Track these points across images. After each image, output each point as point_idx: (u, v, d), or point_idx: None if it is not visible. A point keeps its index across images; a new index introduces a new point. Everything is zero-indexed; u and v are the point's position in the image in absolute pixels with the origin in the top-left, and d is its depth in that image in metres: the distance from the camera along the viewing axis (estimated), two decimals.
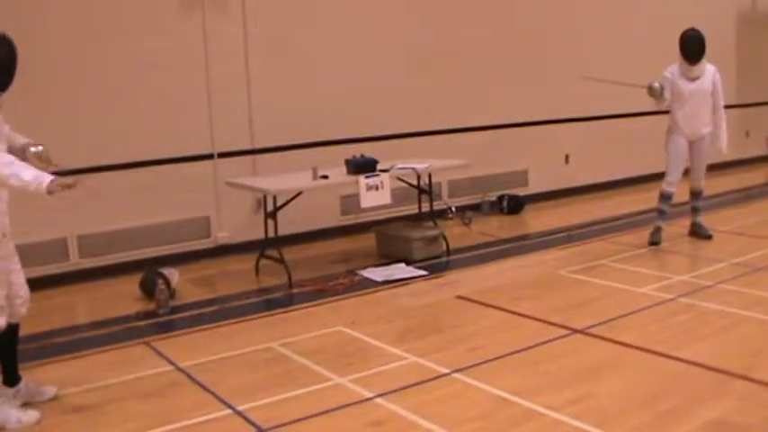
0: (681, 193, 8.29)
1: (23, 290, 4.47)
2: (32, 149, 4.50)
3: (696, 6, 12.19)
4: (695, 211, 8.35)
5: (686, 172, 8.20)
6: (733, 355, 4.94)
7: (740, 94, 13.79)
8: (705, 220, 8.43)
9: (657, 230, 8.11)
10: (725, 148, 8.05)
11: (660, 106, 7.99)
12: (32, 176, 3.93)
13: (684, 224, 8.49)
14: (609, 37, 11.52)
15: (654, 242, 8.04)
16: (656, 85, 7.81)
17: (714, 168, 11.64)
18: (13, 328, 4.51)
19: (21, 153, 4.45)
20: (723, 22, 13.48)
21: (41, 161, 4.50)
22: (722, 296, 6.23)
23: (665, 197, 8.09)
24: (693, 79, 7.84)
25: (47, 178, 3.92)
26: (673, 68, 7.92)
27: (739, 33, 13.90)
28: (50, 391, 4.72)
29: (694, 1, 12.30)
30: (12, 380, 4.58)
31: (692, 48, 7.75)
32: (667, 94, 7.86)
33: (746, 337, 5.36)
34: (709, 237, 8.25)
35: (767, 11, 14.27)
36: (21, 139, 4.54)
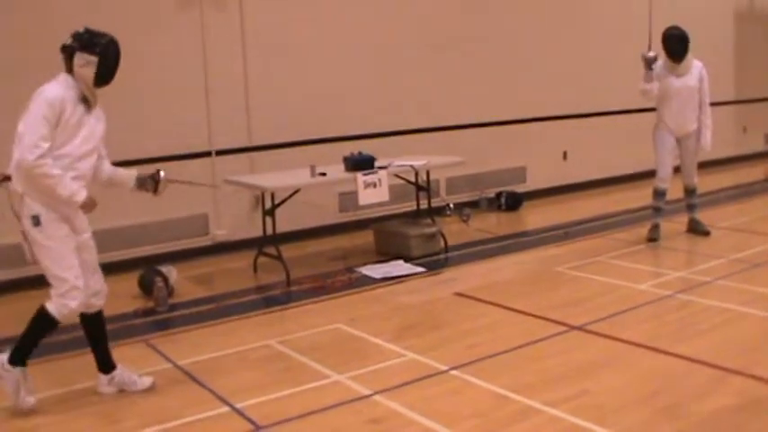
0: (677, 190, 8.30)
1: (92, 282, 4.61)
2: (162, 173, 5.03)
3: (695, 3, 12.19)
4: (691, 207, 8.36)
5: (678, 169, 8.20)
6: (731, 352, 4.94)
7: (738, 90, 13.81)
8: (703, 216, 8.44)
9: (655, 227, 8.12)
10: (708, 146, 8.04)
11: (647, 94, 7.88)
12: (69, 193, 4.34)
13: (682, 221, 8.49)
14: (607, 33, 11.52)
15: (652, 239, 8.04)
16: (651, 54, 7.83)
17: (712, 165, 11.70)
18: (91, 319, 4.70)
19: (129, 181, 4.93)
20: (721, 18, 13.48)
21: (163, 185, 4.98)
22: (720, 292, 6.24)
23: (658, 194, 8.10)
24: (680, 76, 7.84)
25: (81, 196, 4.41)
26: (658, 65, 7.91)
27: (737, 30, 13.90)
28: (146, 381, 4.80)
29: None
30: (106, 367, 4.75)
31: (674, 46, 7.75)
32: (655, 86, 7.83)
33: (744, 333, 5.36)
34: (707, 233, 8.26)
35: (765, 8, 14.28)
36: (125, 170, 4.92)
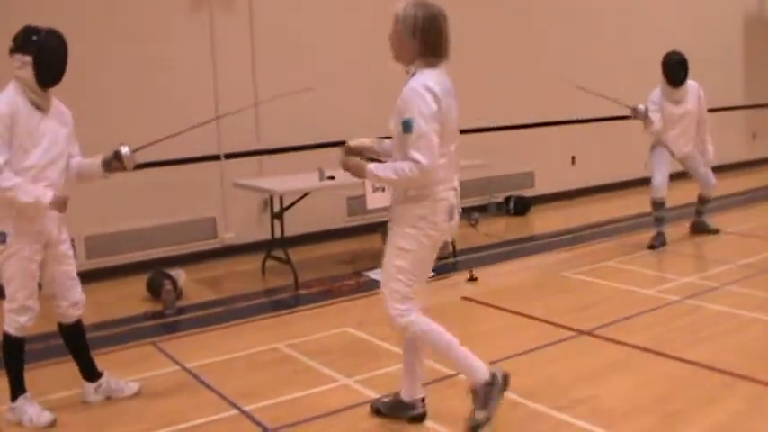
0: (681, 197, 8.29)
1: (69, 294, 4.54)
2: (124, 149, 4.59)
3: (704, 8, 12.18)
4: (700, 213, 8.39)
5: (677, 178, 8.19)
6: (739, 357, 4.94)
7: (747, 95, 13.78)
8: (713, 221, 8.47)
9: (659, 235, 8.04)
10: (712, 159, 8.13)
11: (650, 129, 7.86)
12: (33, 198, 4.13)
13: (689, 225, 8.51)
14: (616, 38, 11.51)
15: (653, 246, 7.97)
16: (641, 107, 7.72)
17: (721, 170, 11.65)
18: (71, 329, 4.64)
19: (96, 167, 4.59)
20: (731, 23, 13.45)
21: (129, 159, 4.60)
22: (729, 298, 6.23)
23: (657, 204, 8.03)
24: (678, 102, 7.82)
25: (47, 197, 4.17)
26: (656, 93, 7.88)
27: (747, 35, 13.87)
28: (133, 387, 4.78)
29: (702, 2, 12.29)
30: (90, 376, 4.71)
31: (676, 72, 7.74)
32: (657, 117, 7.77)
33: (753, 338, 5.35)
34: (716, 231, 8.30)
35: None
36: (90, 159, 4.63)
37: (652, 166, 8.02)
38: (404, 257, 3.91)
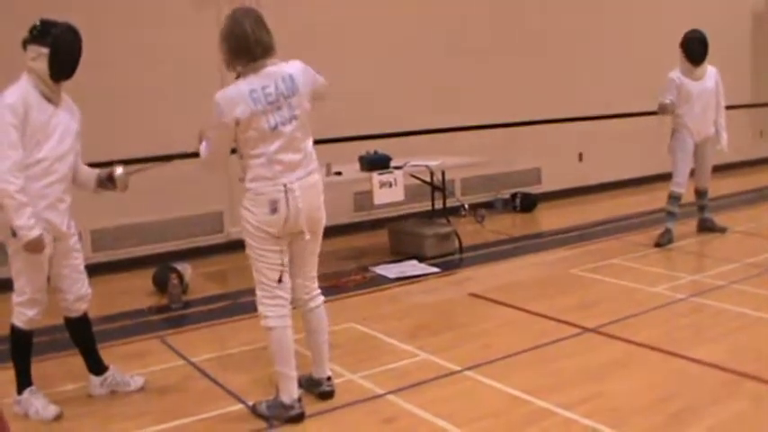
0: (690, 194, 8.26)
1: (76, 287, 4.53)
2: (119, 170, 4.64)
3: (712, 5, 12.15)
4: (703, 208, 8.39)
5: (691, 173, 8.16)
6: (745, 356, 4.92)
7: (754, 93, 13.75)
8: (718, 220, 8.44)
9: (667, 232, 8.05)
10: (726, 148, 8.09)
11: (668, 112, 7.92)
12: (23, 223, 4.08)
13: (695, 224, 8.49)
14: (623, 35, 11.49)
15: (659, 244, 7.97)
16: (667, 101, 7.79)
17: (728, 168, 11.64)
18: (78, 322, 4.63)
19: (92, 180, 4.64)
20: (738, 21, 13.42)
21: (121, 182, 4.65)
22: (735, 296, 6.21)
23: (674, 198, 8.03)
24: (697, 80, 7.85)
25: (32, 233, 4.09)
26: (676, 72, 7.90)
27: (754, 33, 13.85)
28: (138, 381, 4.78)
29: (710, 0, 12.26)
30: (96, 369, 4.72)
31: (697, 50, 7.78)
32: (673, 97, 7.83)
33: (759, 337, 5.34)
34: (724, 230, 8.28)
35: None
36: (88, 169, 4.66)
37: (675, 161, 8.00)
38: (246, 238, 4.21)
